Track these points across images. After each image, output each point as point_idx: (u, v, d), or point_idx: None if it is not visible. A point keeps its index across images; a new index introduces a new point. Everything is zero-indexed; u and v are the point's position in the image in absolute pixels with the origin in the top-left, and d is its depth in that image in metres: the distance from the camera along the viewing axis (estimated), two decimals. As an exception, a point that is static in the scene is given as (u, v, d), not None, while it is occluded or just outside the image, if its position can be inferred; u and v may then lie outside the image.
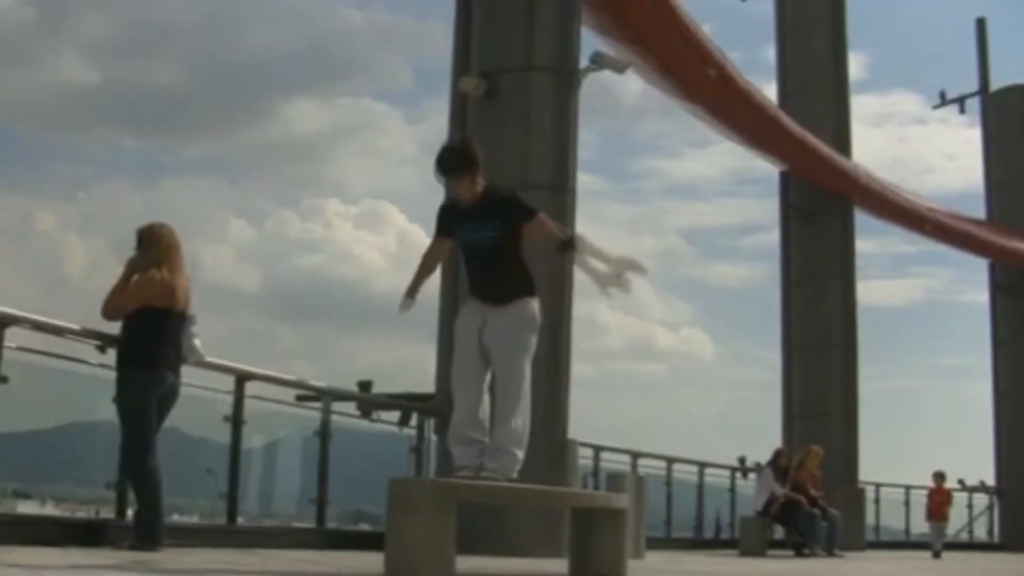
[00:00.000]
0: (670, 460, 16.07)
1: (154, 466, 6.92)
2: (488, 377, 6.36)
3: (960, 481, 23.71)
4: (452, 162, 6.25)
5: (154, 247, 7.07)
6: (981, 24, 28.44)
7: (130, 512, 7.41)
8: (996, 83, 27.90)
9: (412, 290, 6.53)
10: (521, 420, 6.26)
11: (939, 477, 18.64)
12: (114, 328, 7.10)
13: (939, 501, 18.23)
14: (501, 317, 6.28)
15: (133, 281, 7.01)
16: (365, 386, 11.01)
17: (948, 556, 16.72)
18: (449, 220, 6.43)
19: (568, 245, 6.48)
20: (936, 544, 17.55)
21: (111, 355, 7.23)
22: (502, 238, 6.28)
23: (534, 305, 6.38)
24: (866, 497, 20.35)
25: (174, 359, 7.11)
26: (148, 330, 6.93)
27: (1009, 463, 25.21)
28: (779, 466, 15.21)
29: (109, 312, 7.01)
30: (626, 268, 6.42)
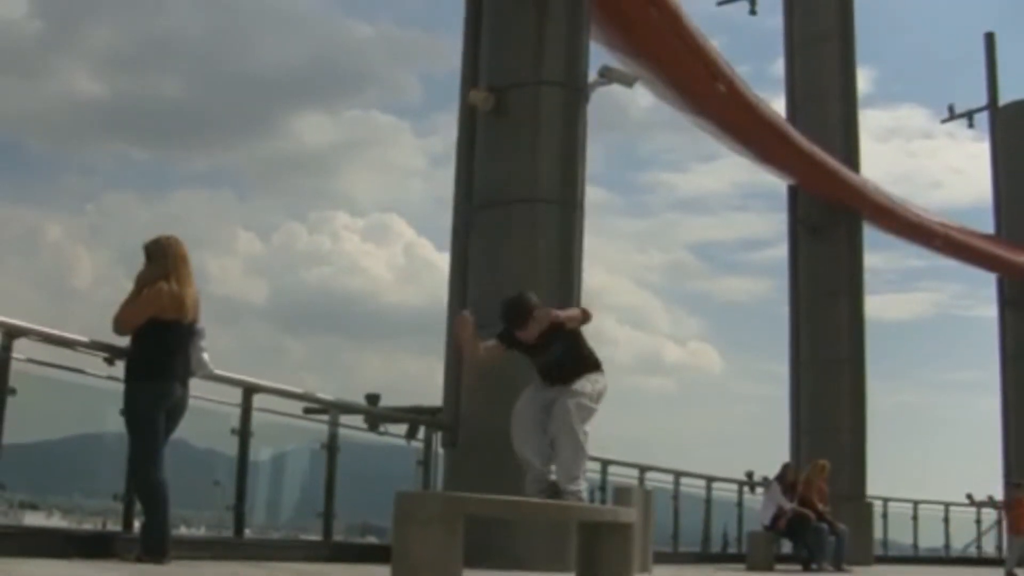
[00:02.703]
0: (678, 474, 16.04)
1: (161, 478, 6.92)
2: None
3: (968, 496, 23.64)
4: (516, 317, 7.15)
5: (161, 260, 7.08)
6: (990, 39, 28.46)
7: (137, 524, 7.42)
8: (1005, 97, 27.92)
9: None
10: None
11: (1021, 487, 18.08)
12: (122, 340, 7.11)
13: (1022, 512, 17.71)
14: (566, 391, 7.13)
15: (142, 294, 7.02)
16: (373, 399, 11.01)
17: (958, 571, 16.60)
18: (512, 341, 7.28)
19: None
20: (1011, 561, 17.07)
21: (119, 367, 7.24)
22: (564, 352, 7.23)
23: (600, 379, 7.30)
24: (874, 512, 20.29)
25: (182, 372, 7.11)
26: (157, 342, 6.94)
27: (1018, 478, 25.09)
28: (787, 480, 15.18)
29: (120, 327, 7.01)
30: None
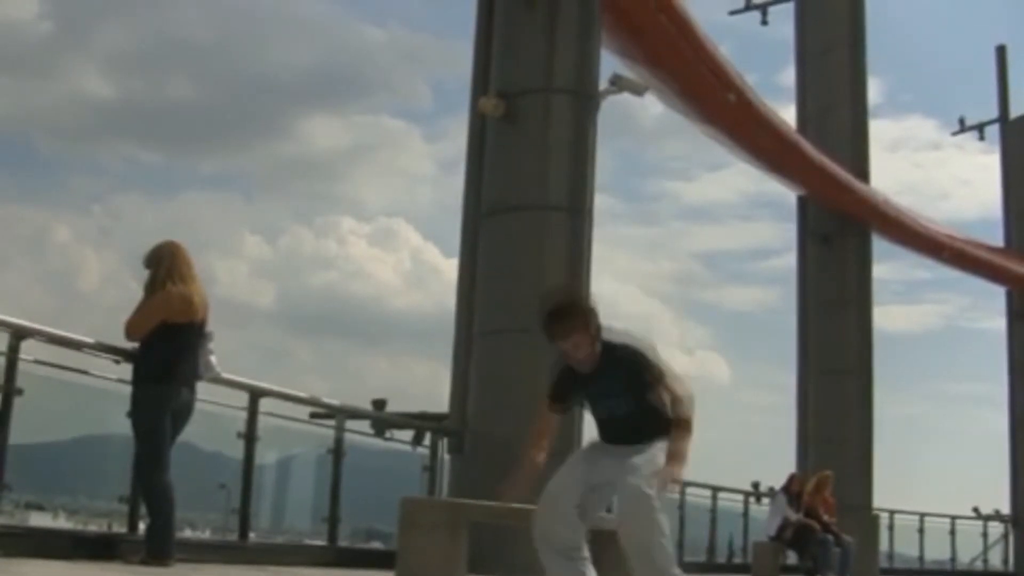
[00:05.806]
0: (683, 484, 16.00)
1: (167, 481, 6.92)
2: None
3: (975, 509, 23.59)
4: (563, 324, 4.96)
5: (162, 264, 7.07)
6: (1001, 52, 28.39)
7: (142, 526, 7.42)
8: (1016, 111, 27.87)
9: (525, 467, 5.20)
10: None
11: None
12: (131, 343, 7.12)
13: None
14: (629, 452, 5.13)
15: (152, 299, 7.02)
16: (379, 404, 11.01)
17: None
18: (566, 385, 5.22)
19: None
20: None
21: (126, 369, 7.24)
22: (638, 403, 5.15)
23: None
24: (880, 523, 20.23)
25: (190, 375, 7.12)
26: (165, 346, 6.94)
27: (1025, 492, 25.05)
28: (792, 491, 15.14)
29: (132, 332, 7.01)
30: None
